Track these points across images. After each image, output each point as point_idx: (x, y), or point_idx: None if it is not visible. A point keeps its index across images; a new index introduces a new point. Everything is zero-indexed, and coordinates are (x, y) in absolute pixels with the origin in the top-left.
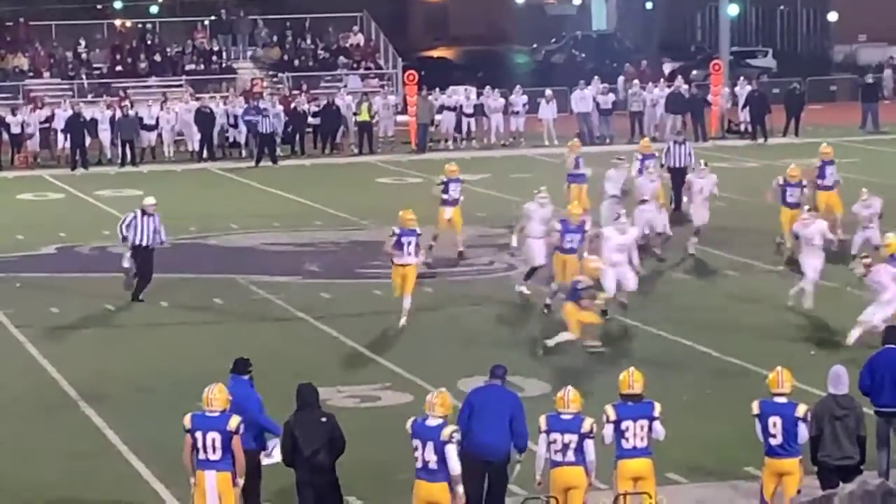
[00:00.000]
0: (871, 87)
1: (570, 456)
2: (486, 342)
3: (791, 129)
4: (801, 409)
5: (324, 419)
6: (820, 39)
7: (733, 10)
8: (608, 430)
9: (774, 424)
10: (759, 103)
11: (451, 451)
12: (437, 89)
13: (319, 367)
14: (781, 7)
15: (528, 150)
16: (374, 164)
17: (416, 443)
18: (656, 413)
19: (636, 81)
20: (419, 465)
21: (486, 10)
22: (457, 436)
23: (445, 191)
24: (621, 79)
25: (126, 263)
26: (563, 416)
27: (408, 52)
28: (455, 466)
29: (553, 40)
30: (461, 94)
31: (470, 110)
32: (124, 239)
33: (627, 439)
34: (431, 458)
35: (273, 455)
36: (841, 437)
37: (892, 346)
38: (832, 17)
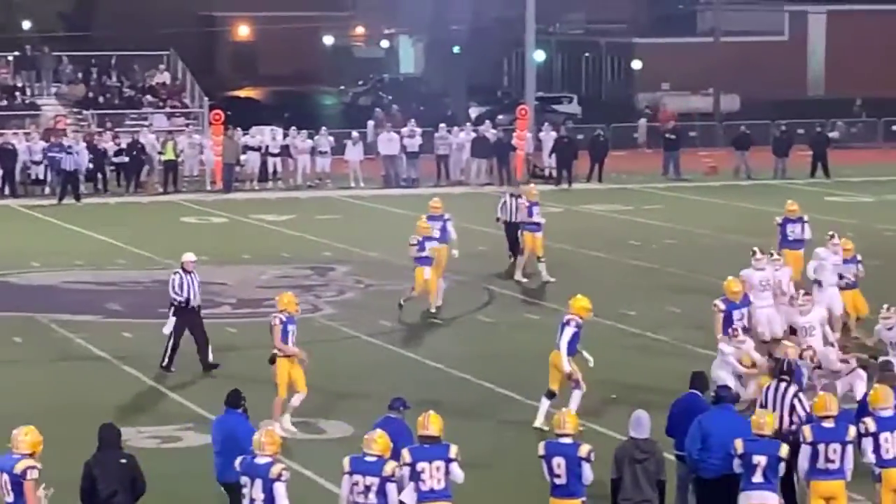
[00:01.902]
0: (673, 134)
1: (372, 498)
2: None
3: (595, 174)
4: (584, 450)
5: (124, 460)
6: (624, 87)
7: (539, 56)
8: (405, 473)
9: (559, 465)
10: (566, 149)
11: (280, 490)
12: (240, 129)
13: (121, 408)
14: (587, 54)
15: (334, 191)
16: (179, 203)
17: (245, 480)
18: (452, 455)
19: (442, 124)
20: (246, 501)
21: (295, 51)
22: (286, 474)
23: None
24: (371, 123)
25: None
26: (366, 459)
27: (215, 92)
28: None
29: (360, 82)
30: (266, 135)
31: (276, 150)
32: None
33: (424, 481)
34: (259, 497)
35: None
36: (641, 480)
37: (696, 392)
38: (636, 65)
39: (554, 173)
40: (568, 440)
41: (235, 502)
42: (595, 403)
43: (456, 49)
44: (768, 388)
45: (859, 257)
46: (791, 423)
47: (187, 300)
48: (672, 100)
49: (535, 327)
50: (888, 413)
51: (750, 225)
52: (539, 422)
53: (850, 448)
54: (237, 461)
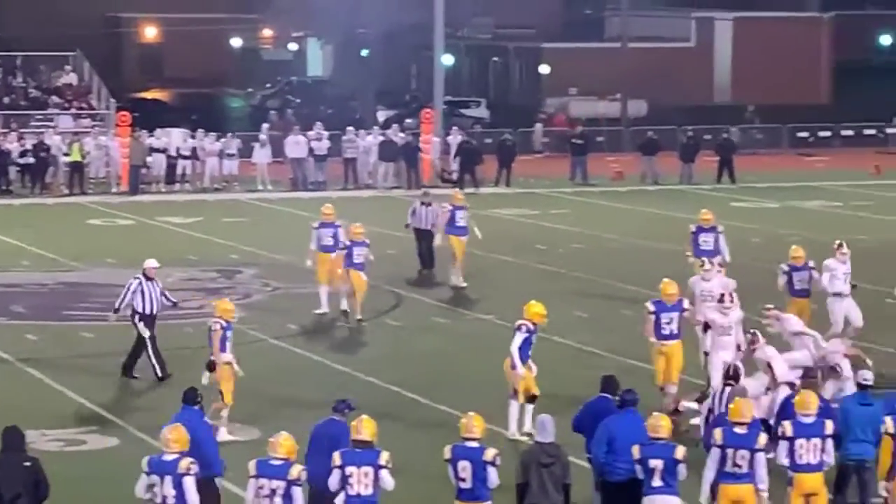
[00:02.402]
0: (581, 139)
1: (277, 502)
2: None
3: (503, 179)
4: (490, 454)
5: (27, 463)
6: (532, 91)
7: (448, 60)
8: (334, 476)
9: (464, 468)
10: (468, 153)
11: (189, 483)
12: (145, 131)
13: (24, 410)
14: (495, 59)
15: (241, 194)
16: (85, 206)
17: (155, 479)
18: (382, 461)
19: (350, 128)
20: (158, 500)
21: (202, 53)
22: (194, 468)
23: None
24: (265, 126)
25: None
26: (272, 462)
27: (121, 93)
28: (193, 499)
29: (268, 85)
30: (172, 137)
31: (185, 153)
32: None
33: (352, 485)
34: (170, 493)
35: None
36: (547, 484)
37: (606, 395)
38: (544, 69)
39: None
40: (474, 444)
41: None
42: (502, 406)
43: (364, 52)
44: (715, 393)
45: (812, 264)
46: None
47: (152, 308)
48: (579, 105)
49: (443, 331)
50: (809, 420)
51: (657, 230)
52: (512, 429)
53: (759, 455)
54: (144, 461)
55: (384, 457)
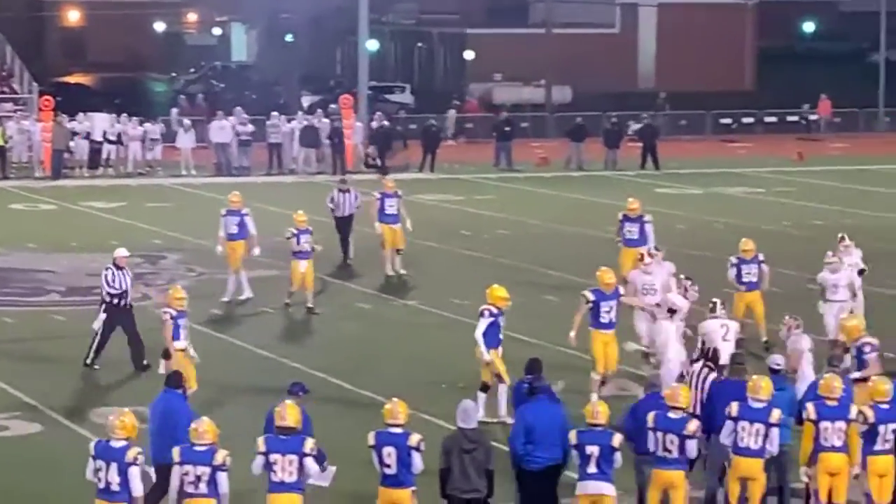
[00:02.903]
0: (506, 125)
1: (203, 488)
2: (119, 370)
3: (427, 164)
4: (414, 439)
5: None
6: (456, 77)
7: (372, 45)
8: (258, 462)
9: (389, 454)
10: (383, 138)
11: (134, 473)
12: (67, 116)
13: None
14: (420, 44)
15: (165, 179)
16: (7, 190)
17: (100, 464)
18: (307, 449)
19: (274, 113)
20: (101, 485)
21: (125, 38)
22: (140, 457)
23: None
24: (174, 111)
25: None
26: (196, 448)
27: (44, 77)
28: (137, 487)
29: (192, 70)
30: (96, 121)
31: (110, 138)
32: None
33: (276, 472)
34: (114, 480)
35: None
36: (469, 470)
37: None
38: (468, 55)
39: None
40: (398, 430)
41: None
42: (426, 392)
43: (289, 37)
44: (692, 371)
45: (761, 257)
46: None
47: (120, 296)
48: (504, 91)
49: (367, 317)
50: (759, 405)
51: (581, 216)
52: (480, 415)
53: (689, 442)
54: (91, 444)
55: (309, 444)
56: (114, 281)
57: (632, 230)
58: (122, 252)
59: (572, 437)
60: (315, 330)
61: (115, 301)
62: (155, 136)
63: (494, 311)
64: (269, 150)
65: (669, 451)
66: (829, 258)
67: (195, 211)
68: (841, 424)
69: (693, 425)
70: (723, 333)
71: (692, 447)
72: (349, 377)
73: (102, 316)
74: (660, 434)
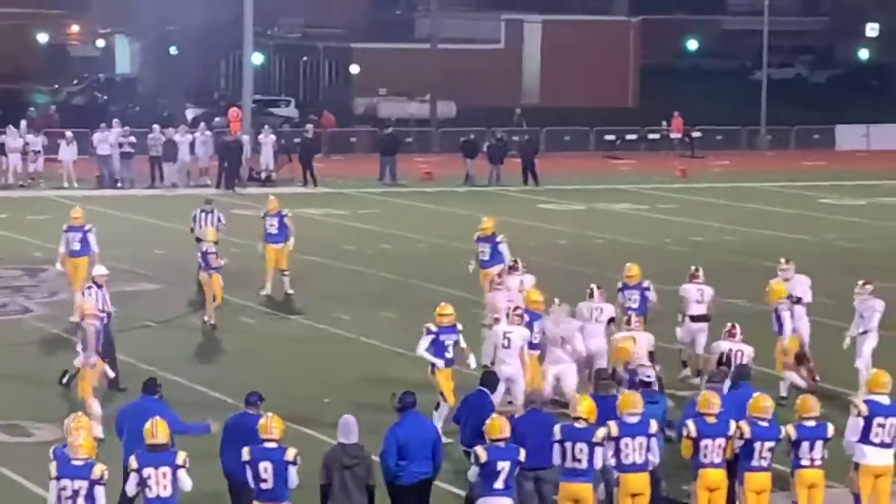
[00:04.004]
0: (390, 140)
1: (80, 503)
2: (7, 383)
3: (309, 178)
4: (291, 454)
5: None
6: (342, 91)
7: (257, 58)
8: (131, 481)
9: (266, 469)
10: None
11: (100, 494)
12: None
13: None
14: (305, 58)
15: (46, 191)
16: None
17: (65, 483)
18: (179, 461)
19: (156, 125)
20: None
21: (7, 49)
22: (107, 474)
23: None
24: (23, 123)
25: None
26: (73, 463)
27: None
28: None
29: (75, 82)
30: None
31: None
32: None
33: (150, 488)
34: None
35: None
36: (350, 485)
37: (484, 389)
38: (354, 69)
39: (273, 176)
40: (274, 444)
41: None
42: (306, 407)
43: (173, 50)
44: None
45: (646, 283)
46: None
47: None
48: (389, 105)
49: (250, 331)
50: (634, 420)
51: (465, 231)
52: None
53: (598, 449)
54: (52, 466)
55: (181, 457)
56: (95, 301)
57: (484, 250)
58: (101, 270)
59: (481, 454)
60: (198, 344)
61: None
62: (37, 148)
63: (433, 328)
64: (150, 163)
65: (579, 461)
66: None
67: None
68: (721, 441)
69: (602, 433)
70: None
71: (600, 456)
72: (231, 391)
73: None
74: (568, 444)
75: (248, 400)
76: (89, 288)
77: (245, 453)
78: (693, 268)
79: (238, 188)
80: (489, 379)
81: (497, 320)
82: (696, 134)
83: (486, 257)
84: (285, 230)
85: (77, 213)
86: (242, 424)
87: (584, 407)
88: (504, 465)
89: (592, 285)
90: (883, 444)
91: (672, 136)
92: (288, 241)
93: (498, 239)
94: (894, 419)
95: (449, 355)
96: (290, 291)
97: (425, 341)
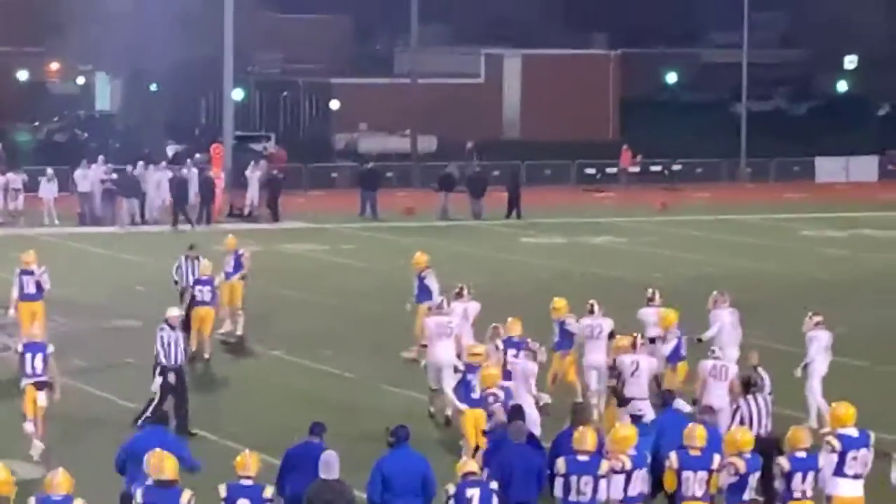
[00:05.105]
0: (371, 175)
1: None
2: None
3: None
4: (269, 491)
5: None
6: (322, 126)
7: (238, 94)
8: None
9: None
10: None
11: None
12: None
13: None
14: (285, 93)
15: (26, 229)
16: None
17: None
18: (184, 500)
19: (140, 162)
20: None
21: None
22: None
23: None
24: None
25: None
26: (53, 498)
27: None
28: None
29: (56, 119)
30: None
31: None
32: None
33: None
34: None
35: None
36: None
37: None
38: (334, 104)
39: (255, 212)
40: (250, 482)
41: None
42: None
43: (153, 86)
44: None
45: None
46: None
47: (175, 359)
48: (369, 140)
49: (229, 366)
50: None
51: (447, 265)
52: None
53: (602, 482)
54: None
55: (185, 497)
56: (168, 343)
57: (415, 286)
58: (174, 312)
59: (221, 490)
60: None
61: (172, 364)
62: (17, 186)
63: (462, 367)
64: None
65: (584, 494)
66: None
67: (57, 261)
68: (703, 474)
69: (606, 465)
70: (632, 370)
71: (604, 487)
72: (212, 426)
73: (159, 379)
74: (574, 478)
75: (312, 430)
76: (162, 329)
77: (221, 490)
78: (650, 291)
79: (214, 224)
80: (516, 413)
81: (424, 346)
82: (676, 167)
83: (416, 292)
84: (240, 269)
85: (30, 256)
86: (305, 453)
87: (591, 441)
88: (473, 493)
89: (592, 301)
90: (856, 476)
91: (630, 169)
92: (241, 277)
93: (423, 275)
94: (865, 450)
95: (476, 396)
96: (239, 333)
97: (453, 380)
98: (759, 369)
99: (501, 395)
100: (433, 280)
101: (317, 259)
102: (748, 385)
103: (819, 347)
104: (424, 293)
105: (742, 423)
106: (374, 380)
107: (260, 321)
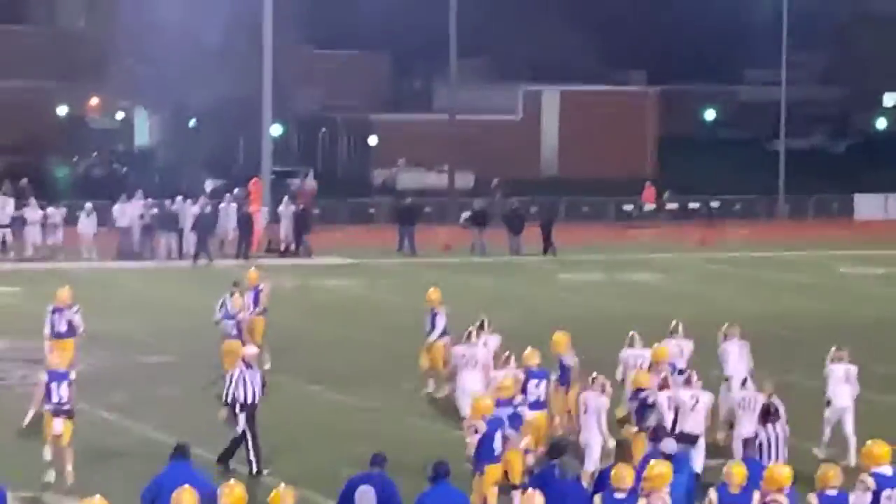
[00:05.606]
0: (409, 210)
1: None
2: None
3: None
4: None
5: None
6: (360, 162)
7: (276, 130)
8: None
9: None
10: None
11: None
12: None
13: None
14: (323, 129)
15: (66, 263)
16: None
17: None
18: None
19: (179, 197)
20: None
21: (27, 120)
22: None
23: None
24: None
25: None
26: None
27: None
28: None
29: (94, 153)
30: None
31: (6, 221)
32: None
33: None
34: None
35: None
36: None
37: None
38: (372, 141)
39: (292, 247)
40: None
41: None
42: (324, 478)
43: (192, 122)
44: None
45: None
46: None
47: (253, 397)
48: (407, 176)
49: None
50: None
51: (482, 302)
52: None
53: None
54: None
55: None
56: (241, 381)
57: (427, 322)
58: (251, 350)
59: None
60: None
61: (249, 402)
62: (56, 221)
63: (484, 416)
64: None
65: None
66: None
67: (95, 296)
68: None
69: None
70: (692, 404)
71: None
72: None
73: (241, 417)
74: None
75: (373, 460)
76: (239, 370)
77: None
78: (673, 323)
79: (252, 259)
80: (556, 448)
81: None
82: (714, 203)
83: (427, 328)
84: (258, 304)
85: (64, 293)
86: (373, 484)
87: (630, 478)
88: None
89: (633, 332)
90: None
91: (645, 207)
92: (260, 313)
93: (436, 311)
94: None
95: (497, 452)
96: (267, 367)
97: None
98: (775, 398)
99: (483, 426)
100: (443, 317)
101: (355, 295)
102: (766, 414)
103: (836, 380)
104: (434, 329)
105: (760, 451)
106: (412, 414)
107: (292, 354)
